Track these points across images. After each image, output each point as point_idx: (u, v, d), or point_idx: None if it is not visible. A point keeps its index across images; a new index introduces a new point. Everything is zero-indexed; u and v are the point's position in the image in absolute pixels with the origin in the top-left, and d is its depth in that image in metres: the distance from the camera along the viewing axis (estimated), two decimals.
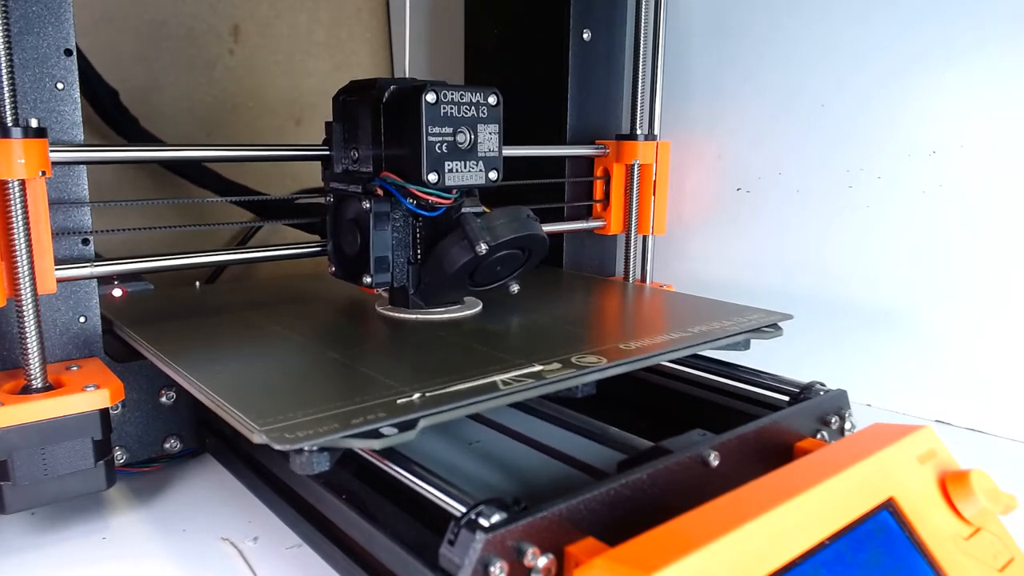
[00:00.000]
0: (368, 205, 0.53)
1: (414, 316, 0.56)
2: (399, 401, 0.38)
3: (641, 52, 0.74)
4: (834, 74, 0.70)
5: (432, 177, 0.50)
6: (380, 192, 0.53)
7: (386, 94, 0.52)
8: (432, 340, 0.50)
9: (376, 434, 0.35)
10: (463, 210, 0.52)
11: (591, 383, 0.44)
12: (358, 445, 0.34)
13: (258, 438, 0.34)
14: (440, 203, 0.52)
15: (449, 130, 0.50)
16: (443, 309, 0.57)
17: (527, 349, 0.47)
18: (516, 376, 0.42)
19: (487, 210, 0.54)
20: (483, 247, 0.50)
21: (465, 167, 0.51)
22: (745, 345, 0.52)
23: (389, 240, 0.54)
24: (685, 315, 0.57)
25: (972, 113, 0.63)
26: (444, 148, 0.50)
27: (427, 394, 0.39)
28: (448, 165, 0.50)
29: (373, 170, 0.53)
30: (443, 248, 0.52)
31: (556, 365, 0.44)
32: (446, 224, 0.52)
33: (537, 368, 0.43)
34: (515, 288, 0.58)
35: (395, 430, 0.35)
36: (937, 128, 0.64)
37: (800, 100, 0.72)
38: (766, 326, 0.53)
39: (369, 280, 0.54)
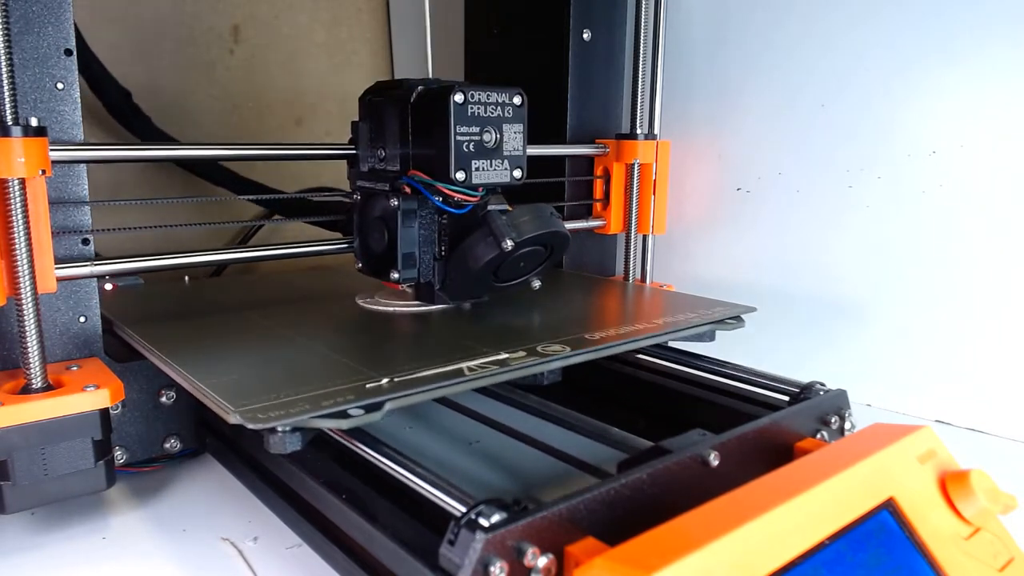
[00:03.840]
0: (396, 202, 0.54)
1: (392, 308, 0.57)
2: (368, 385, 0.40)
3: (641, 52, 0.74)
4: (834, 74, 0.70)
5: (460, 175, 0.51)
6: (407, 190, 0.54)
7: (413, 94, 0.53)
8: (408, 331, 0.52)
9: (344, 415, 0.36)
10: (488, 207, 0.53)
11: (557, 370, 0.46)
12: (326, 425, 0.36)
13: (233, 419, 0.36)
14: (467, 200, 0.53)
15: (476, 130, 0.51)
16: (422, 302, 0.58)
17: (497, 339, 0.49)
18: (482, 363, 0.44)
19: (510, 208, 0.55)
20: (509, 243, 0.52)
21: (491, 166, 0.53)
22: (710, 336, 0.54)
23: (416, 236, 0.55)
24: (654, 308, 0.59)
25: (972, 113, 0.63)
26: (471, 147, 0.51)
27: (395, 379, 0.41)
28: (475, 164, 0.52)
29: (400, 168, 0.54)
30: (469, 244, 0.53)
31: (521, 353, 0.46)
32: (471, 221, 0.54)
33: (503, 356, 0.45)
34: (536, 284, 0.60)
35: (361, 411, 0.37)
36: (937, 128, 0.64)
37: (800, 100, 0.72)
38: (729, 318, 0.55)
39: (397, 276, 0.55)
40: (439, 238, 0.56)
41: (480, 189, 0.53)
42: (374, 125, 0.56)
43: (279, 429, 0.35)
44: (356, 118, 0.58)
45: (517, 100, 0.53)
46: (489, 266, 0.53)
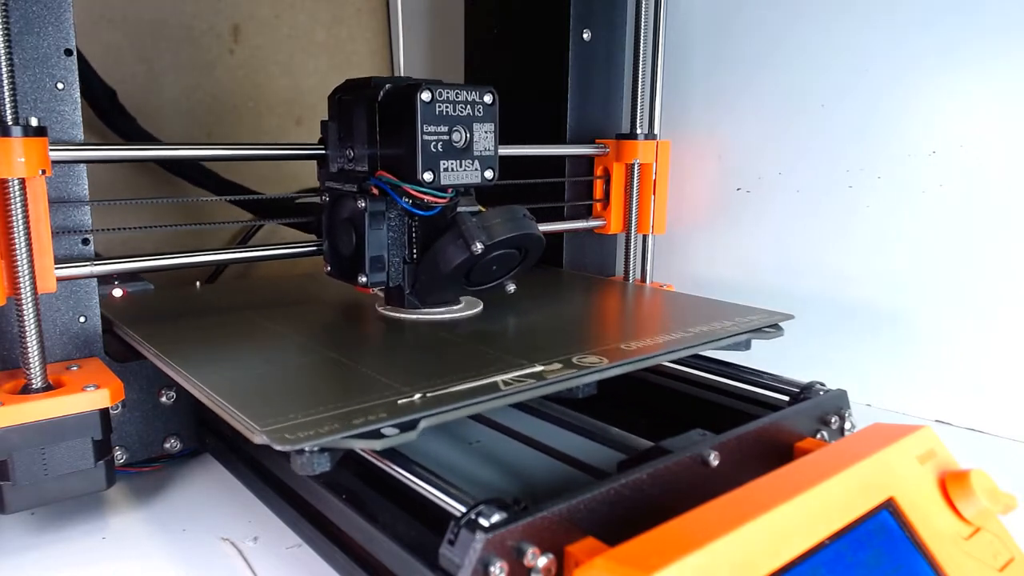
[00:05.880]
0: (363, 204, 0.53)
1: (414, 316, 0.56)
2: (400, 401, 0.38)
3: (641, 52, 0.74)
4: (834, 74, 0.70)
5: (427, 176, 0.50)
6: (376, 191, 0.53)
7: (381, 93, 0.52)
8: (433, 340, 0.50)
9: (377, 434, 0.35)
10: (458, 209, 0.52)
11: (592, 383, 0.44)
12: (359, 446, 0.34)
13: (259, 439, 0.34)
14: (436, 202, 0.51)
15: (444, 129, 0.50)
16: (444, 309, 0.56)
17: (528, 349, 0.47)
18: (517, 376, 0.42)
19: (483, 209, 0.54)
20: (479, 246, 0.50)
21: (461, 166, 0.51)
22: (746, 345, 0.52)
23: (385, 239, 0.54)
24: (686, 315, 0.57)
25: (972, 113, 0.63)
26: (439, 147, 0.50)
27: (428, 394, 0.39)
28: (443, 164, 0.50)
29: (369, 169, 0.53)
30: (439, 247, 0.52)
31: (557, 365, 0.44)
32: (442, 223, 0.52)
33: (538, 368, 0.43)
34: (511, 288, 0.58)
35: (396, 430, 0.35)
36: (937, 128, 0.64)
37: (800, 100, 0.72)
38: (767, 326, 0.53)
39: (364, 280, 0.54)
40: (409, 241, 0.54)
41: (449, 190, 0.51)
42: (343, 124, 0.55)
43: (307, 449, 0.34)
44: None
45: (488, 99, 0.52)
46: (460, 269, 0.52)
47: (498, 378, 0.41)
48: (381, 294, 0.58)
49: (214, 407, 0.38)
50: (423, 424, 0.36)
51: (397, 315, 0.56)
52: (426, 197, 0.51)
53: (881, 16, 0.66)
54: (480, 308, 0.58)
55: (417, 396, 0.38)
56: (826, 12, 0.70)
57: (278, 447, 0.33)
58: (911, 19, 0.65)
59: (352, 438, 0.34)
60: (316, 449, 0.34)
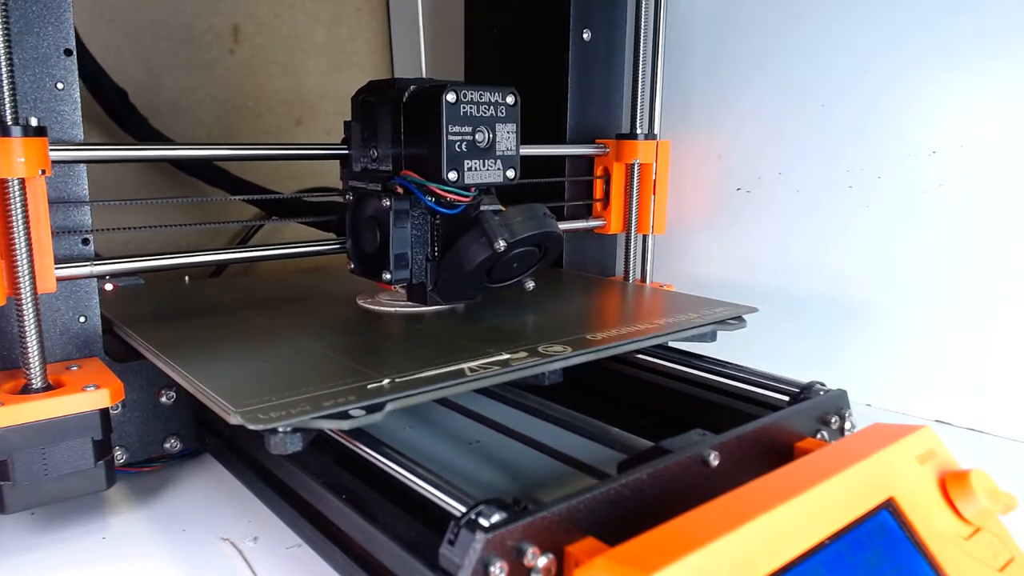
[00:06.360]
0: (388, 203, 0.54)
1: (392, 309, 0.57)
2: (369, 386, 0.40)
3: (641, 52, 0.74)
4: (834, 74, 0.70)
5: (452, 175, 0.51)
6: (400, 190, 0.54)
7: (406, 94, 0.53)
8: (408, 331, 0.52)
9: (345, 416, 0.37)
10: (481, 208, 0.53)
11: (558, 371, 0.46)
12: (327, 426, 0.36)
13: (234, 419, 0.36)
14: (460, 201, 0.52)
15: (468, 129, 0.51)
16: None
17: (497, 340, 0.49)
18: (483, 364, 0.44)
19: (503, 208, 0.54)
20: (502, 244, 0.51)
21: (484, 165, 0.52)
22: (712, 337, 0.54)
23: (408, 237, 0.55)
24: (655, 309, 0.59)
25: (972, 113, 0.63)
26: (463, 147, 0.51)
27: (396, 380, 0.41)
28: (467, 164, 0.51)
29: (392, 169, 0.54)
30: (462, 245, 0.53)
31: (523, 354, 0.46)
32: (464, 222, 0.53)
33: (504, 356, 0.45)
34: (530, 285, 0.59)
35: (363, 412, 0.37)
36: (937, 128, 0.64)
37: (800, 100, 0.72)
38: (731, 318, 0.54)
39: (389, 277, 0.55)
40: (432, 239, 0.55)
41: (472, 189, 0.52)
42: (367, 125, 0.56)
43: (280, 430, 0.35)
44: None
45: (510, 99, 0.53)
46: (482, 267, 0.53)
47: (465, 365, 0.43)
48: (402, 290, 0.59)
49: (196, 392, 0.40)
50: (389, 407, 0.38)
51: (378, 308, 0.58)
52: (451, 196, 0.52)
53: (881, 16, 0.66)
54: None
55: (386, 381, 0.40)
56: (826, 12, 0.70)
57: (251, 427, 0.35)
58: (911, 19, 0.65)
59: (321, 419, 0.36)
60: (289, 429, 0.36)
